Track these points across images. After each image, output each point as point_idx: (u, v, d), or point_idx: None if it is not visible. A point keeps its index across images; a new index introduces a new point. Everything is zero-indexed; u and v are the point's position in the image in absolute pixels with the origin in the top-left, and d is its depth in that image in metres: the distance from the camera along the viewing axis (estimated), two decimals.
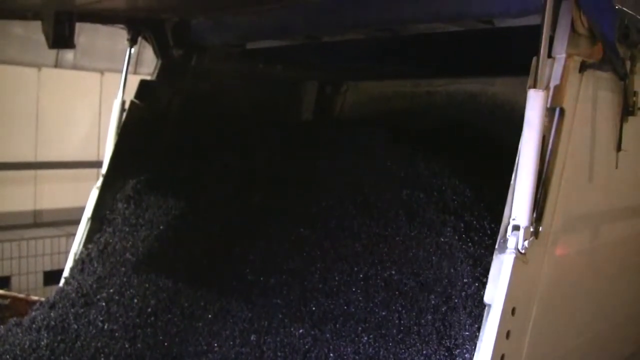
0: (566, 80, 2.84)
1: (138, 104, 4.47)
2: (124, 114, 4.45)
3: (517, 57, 3.01)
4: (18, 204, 8.97)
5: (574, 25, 2.86)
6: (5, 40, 8.33)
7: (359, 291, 3.23)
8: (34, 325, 3.86)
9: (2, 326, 4.06)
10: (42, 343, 3.70)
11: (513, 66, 3.32)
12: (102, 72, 9.34)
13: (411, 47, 4.38)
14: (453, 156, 3.75)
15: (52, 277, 7.91)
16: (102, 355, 3.53)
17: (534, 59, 2.77)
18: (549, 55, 2.84)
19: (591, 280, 3.37)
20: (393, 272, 3.22)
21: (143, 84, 4.53)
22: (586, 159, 3.13)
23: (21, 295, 4.89)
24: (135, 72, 7.93)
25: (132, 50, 4.56)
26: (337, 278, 3.33)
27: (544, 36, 2.73)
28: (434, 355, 2.88)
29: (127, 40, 4.50)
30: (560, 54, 2.86)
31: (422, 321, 3.00)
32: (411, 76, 5.11)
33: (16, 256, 8.34)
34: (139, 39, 4.54)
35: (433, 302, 3.04)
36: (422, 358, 2.89)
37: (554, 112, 2.84)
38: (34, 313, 3.99)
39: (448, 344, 2.88)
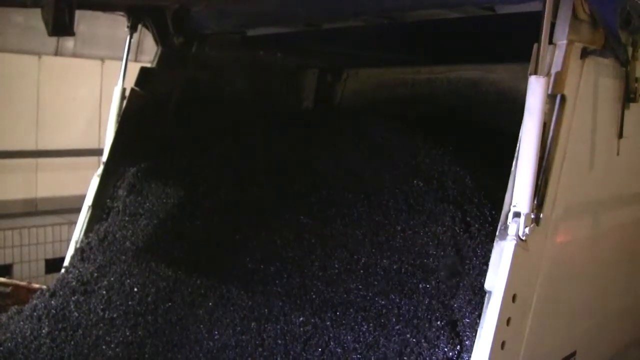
0: (567, 67, 2.83)
1: (138, 91, 4.46)
2: (124, 102, 4.44)
3: (518, 43, 3.00)
4: (19, 192, 9.00)
5: (575, 11, 2.85)
6: (5, 28, 8.31)
7: (358, 279, 3.23)
8: (34, 314, 3.86)
9: (3, 314, 4.07)
10: (43, 331, 3.70)
11: (515, 53, 3.31)
12: (102, 59, 9.33)
13: (412, 34, 4.36)
14: (454, 144, 3.73)
15: (53, 265, 7.93)
16: (102, 343, 3.54)
17: (535, 45, 2.76)
18: (550, 42, 2.82)
19: (592, 267, 3.37)
20: (393, 260, 3.21)
21: (143, 71, 4.51)
22: (587, 145, 3.12)
23: (23, 283, 4.90)
24: (136, 60, 7.89)
25: (133, 37, 4.54)
26: (336, 266, 3.33)
27: (545, 22, 2.72)
28: (434, 343, 2.87)
29: (127, 27, 4.47)
30: (561, 40, 2.85)
31: (422, 309, 2.99)
32: (412, 63, 5.08)
33: (17, 244, 8.38)
34: (140, 26, 4.52)
35: (432, 290, 3.04)
36: (422, 346, 2.88)
37: (555, 99, 2.83)
38: (35, 301, 3.99)
39: (448, 331, 2.87)
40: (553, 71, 2.82)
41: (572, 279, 3.16)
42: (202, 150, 4.41)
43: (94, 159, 8.40)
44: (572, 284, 3.17)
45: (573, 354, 3.28)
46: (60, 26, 3.81)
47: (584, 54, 2.94)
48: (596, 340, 3.56)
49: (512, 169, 2.71)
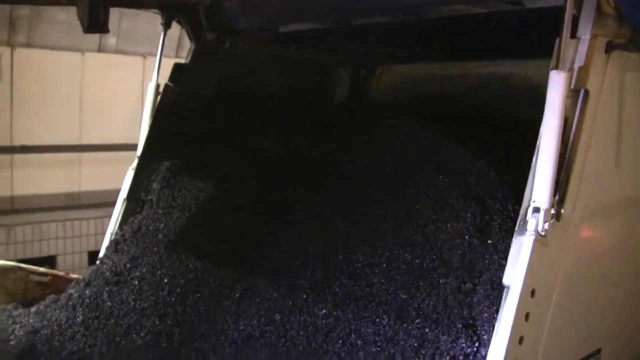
0: (590, 62, 2.79)
1: (172, 87, 4.53)
2: (159, 97, 4.52)
3: (549, 38, 2.97)
4: (63, 186, 9.18)
5: (599, 4, 2.81)
6: (49, 25, 8.48)
7: (381, 273, 3.26)
8: (70, 303, 3.98)
9: (41, 302, 4.20)
10: (78, 319, 3.81)
11: (546, 48, 3.28)
12: (144, 56, 9.45)
13: (445, 29, 4.34)
14: (480, 139, 3.72)
15: (96, 257, 8.05)
16: (133, 331, 3.63)
17: (557, 39, 2.73)
18: (574, 36, 2.79)
19: (616, 265, 3.32)
20: (415, 255, 3.23)
21: (177, 67, 4.58)
22: (613, 141, 3.08)
23: (61, 273, 5.01)
24: (176, 56, 7.99)
25: (168, 33, 4.61)
26: (360, 260, 3.36)
27: (566, 16, 2.69)
28: (452, 338, 2.88)
29: (161, 24, 4.55)
30: (585, 34, 2.81)
31: (442, 303, 3.00)
32: (444, 59, 5.06)
33: (61, 236, 8.56)
34: (174, 23, 4.59)
35: (452, 284, 3.04)
36: (440, 340, 2.89)
37: (577, 94, 2.80)
38: (70, 291, 4.11)
39: (467, 326, 2.88)
40: (576, 66, 2.78)
41: (595, 275, 3.11)
42: (233, 145, 4.47)
43: (135, 153, 8.53)
44: (595, 280, 3.13)
45: (598, 351, 3.24)
46: (95, 23, 3.90)
47: (609, 48, 2.90)
48: (622, 338, 3.51)
49: (532, 164, 2.70)
